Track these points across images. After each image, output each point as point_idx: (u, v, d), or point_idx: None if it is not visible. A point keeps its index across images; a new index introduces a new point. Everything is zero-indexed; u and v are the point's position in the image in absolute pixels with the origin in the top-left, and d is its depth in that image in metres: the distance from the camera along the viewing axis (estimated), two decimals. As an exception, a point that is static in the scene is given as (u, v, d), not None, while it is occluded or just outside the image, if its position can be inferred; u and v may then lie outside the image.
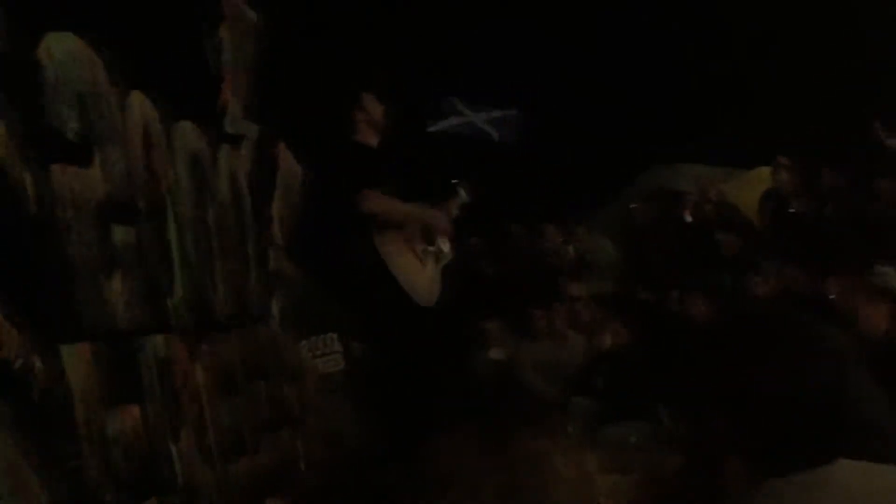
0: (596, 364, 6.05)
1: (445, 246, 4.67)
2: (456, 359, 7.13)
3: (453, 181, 4.94)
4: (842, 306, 4.92)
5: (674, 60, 9.65)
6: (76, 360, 2.95)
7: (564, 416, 5.60)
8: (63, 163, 3.08)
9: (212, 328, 4.18)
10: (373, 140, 4.60)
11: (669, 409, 4.92)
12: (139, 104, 3.85)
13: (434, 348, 4.97)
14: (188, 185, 4.22)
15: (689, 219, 7.95)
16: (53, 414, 2.76)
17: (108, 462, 2.98)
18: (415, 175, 4.93)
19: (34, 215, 2.89)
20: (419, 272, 4.41)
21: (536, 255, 8.41)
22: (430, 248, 4.57)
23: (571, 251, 8.32)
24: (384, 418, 4.21)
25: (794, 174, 7.59)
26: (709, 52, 9.61)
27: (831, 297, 5.24)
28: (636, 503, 4.32)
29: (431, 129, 9.82)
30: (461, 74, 9.87)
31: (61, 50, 3.18)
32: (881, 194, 6.92)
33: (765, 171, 8.30)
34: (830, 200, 7.26)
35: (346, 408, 5.28)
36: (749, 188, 8.47)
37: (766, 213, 7.68)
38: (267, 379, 4.84)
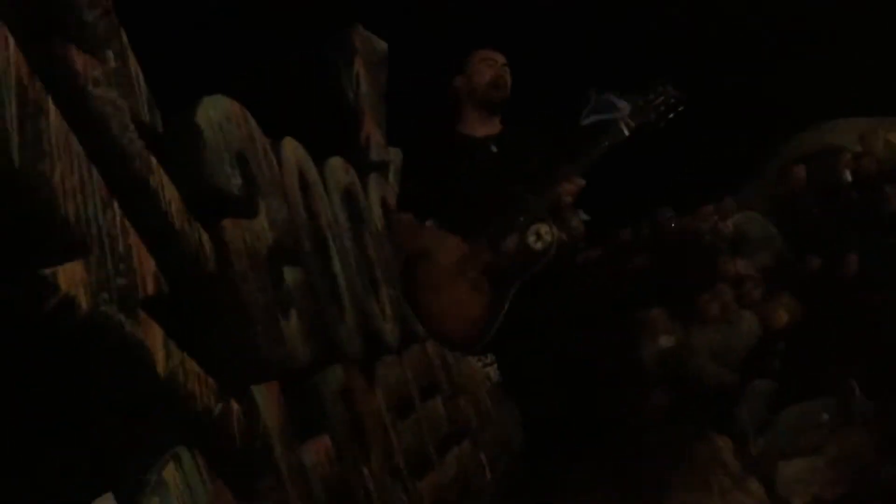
0: (770, 343, 5.85)
1: (542, 240, 3.22)
2: (621, 352, 7.06)
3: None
4: None
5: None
6: (267, 399, 3.15)
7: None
8: (233, 217, 3.29)
9: (384, 352, 4.35)
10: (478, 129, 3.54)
11: (860, 383, 4.70)
12: (292, 150, 4.06)
13: (595, 346, 4.85)
14: (345, 220, 4.42)
15: (849, 178, 7.52)
16: (255, 454, 2.95)
17: (310, 493, 3.16)
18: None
19: (213, 270, 3.10)
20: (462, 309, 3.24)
21: (692, 236, 8.18)
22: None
23: (729, 226, 8.06)
24: (543, 424, 3.66)
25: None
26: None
27: None
28: (830, 484, 4.16)
29: (585, 122, 9.71)
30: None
31: (217, 112, 3.40)
32: None
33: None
34: None
35: (515, 414, 5.33)
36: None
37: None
38: (442, 393, 4.98)
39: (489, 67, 3.46)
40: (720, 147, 9.08)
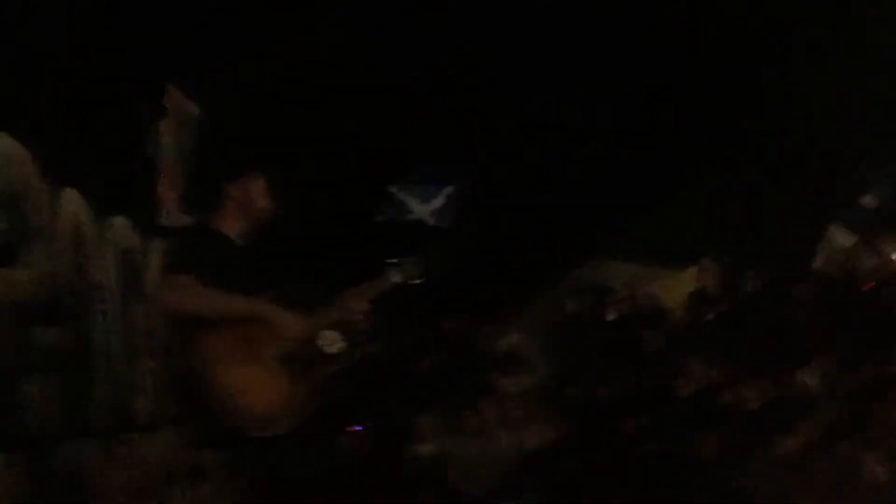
0: (525, 466, 6.05)
1: (333, 346, 3.39)
2: (385, 453, 7.09)
3: (389, 261, 4.19)
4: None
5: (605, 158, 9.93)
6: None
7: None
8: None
9: (134, 430, 4.10)
10: (235, 227, 3.47)
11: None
12: (71, 201, 3.84)
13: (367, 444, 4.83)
14: (116, 283, 4.20)
15: (612, 316, 8.13)
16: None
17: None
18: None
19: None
20: (261, 386, 3.15)
21: (469, 349, 8.46)
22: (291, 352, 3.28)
23: (504, 345, 8.39)
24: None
25: (718, 276, 7.84)
26: (641, 152, 9.96)
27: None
28: None
29: (380, 219, 9.97)
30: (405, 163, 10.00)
31: (-6, 149, 3.17)
32: (801, 298, 7.18)
33: (686, 274, 8.59)
34: (752, 304, 7.51)
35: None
36: (678, 288, 8.72)
37: (691, 313, 7.89)
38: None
39: None
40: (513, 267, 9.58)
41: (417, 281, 3.71)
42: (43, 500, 3.17)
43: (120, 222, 4.43)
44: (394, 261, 3.86)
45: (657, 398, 6.81)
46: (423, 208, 10.26)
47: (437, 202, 10.27)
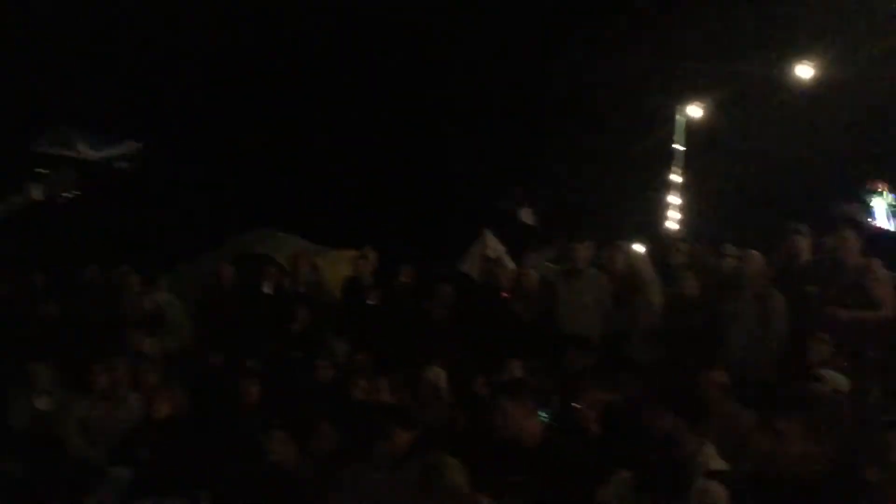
0: (145, 432, 5.77)
1: None
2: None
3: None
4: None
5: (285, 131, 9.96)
6: None
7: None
8: None
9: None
10: None
11: (207, 492, 4.86)
12: None
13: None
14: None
15: (268, 290, 8.09)
16: None
17: None
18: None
19: None
20: None
21: (110, 300, 7.94)
22: None
23: (148, 303, 7.97)
24: None
25: (375, 266, 8.11)
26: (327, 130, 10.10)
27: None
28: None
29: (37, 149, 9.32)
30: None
31: None
32: (442, 297, 7.65)
33: (345, 255, 8.80)
34: (404, 298, 7.86)
35: None
36: (337, 269, 8.85)
37: (345, 297, 8.09)
38: None
39: None
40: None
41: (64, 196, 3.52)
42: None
43: None
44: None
45: (297, 378, 6.89)
46: (93, 152, 9.72)
47: (112, 151, 9.92)
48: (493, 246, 9.73)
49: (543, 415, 4.75)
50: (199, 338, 7.93)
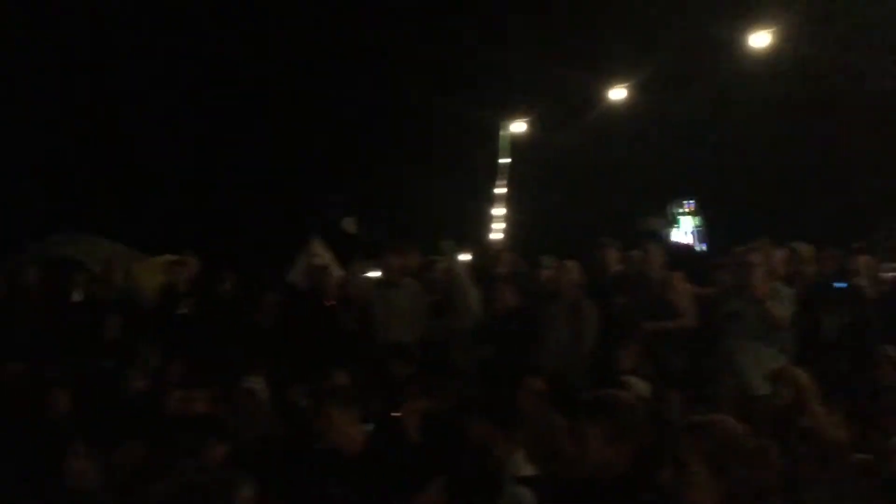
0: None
1: None
2: None
3: None
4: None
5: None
6: None
7: None
8: None
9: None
10: None
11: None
12: None
13: None
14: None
15: (77, 296, 7.65)
16: None
17: None
18: None
19: None
20: None
21: None
22: None
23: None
24: None
25: (192, 274, 7.85)
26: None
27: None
28: None
29: None
30: None
31: None
32: (266, 305, 7.51)
33: (160, 261, 8.48)
34: (221, 306, 7.64)
35: None
36: (154, 275, 8.49)
37: (162, 304, 7.77)
38: None
39: None
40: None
41: None
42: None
43: None
44: None
45: (107, 389, 6.54)
46: None
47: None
48: (320, 254, 9.66)
49: (367, 425, 4.77)
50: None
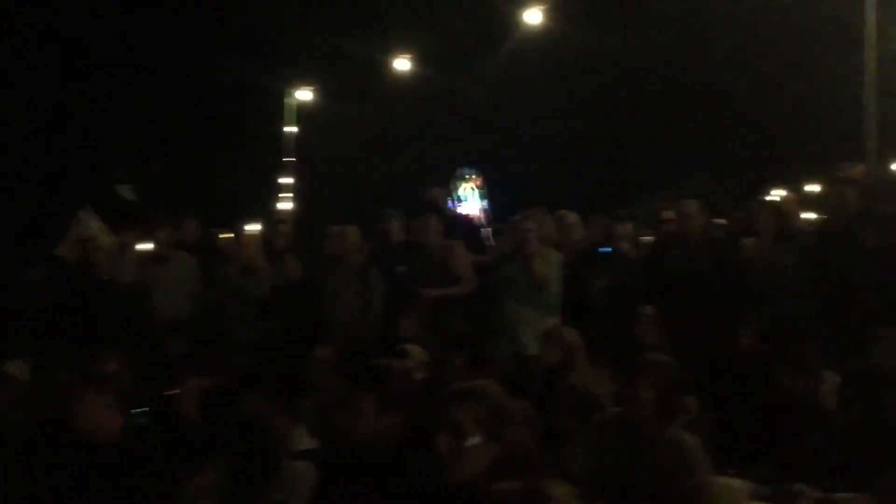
0: None
1: None
2: None
3: None
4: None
5: None
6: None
7: None
8: None
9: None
10: None
11: None
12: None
13: None
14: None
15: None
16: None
17: None
18: None
19: None
20: None
21: None
22: None
23: None
24: None
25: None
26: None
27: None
28: None
29: None
30: None
31: None
32: (31, 283, 6.99)
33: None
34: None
35: None
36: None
37: None
38: None
39: None
40: None
41: None
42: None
43: None
44: None
45: None
46: None
47: None
48: (89, 225, 9.06)
49: (140, 410, 4.57)
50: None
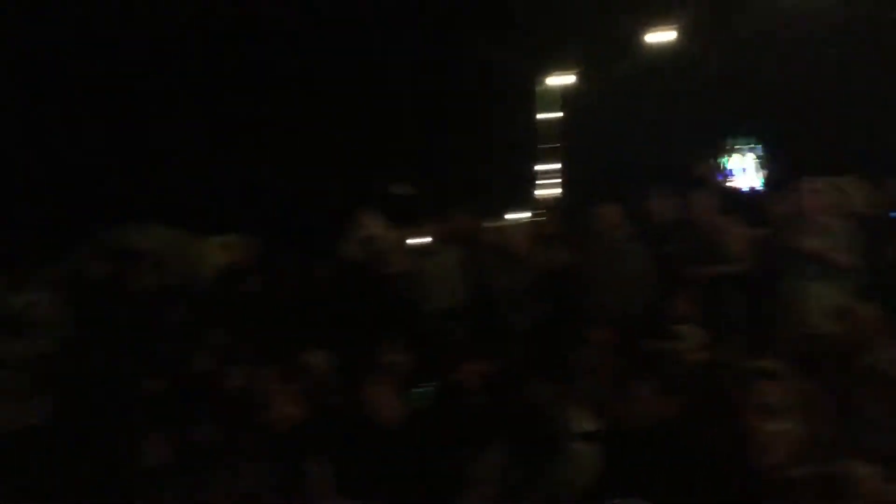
0: (15, 439, 5.55)
1: None
2: None
3: None
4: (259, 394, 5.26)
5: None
6: None
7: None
8: None
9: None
10: None
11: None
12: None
13: None
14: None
15: (139, 285, 7.84)
16: None
17: None
18: None
19: None
20: None
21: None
22: None
23: (14, 305, 7.58)
24: None
25: (252, 252, 7.98)
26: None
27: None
28: None
29: None
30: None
31: None
32: (320, 280, 7.62)
33: (220, 241, 8.64)
34: (281, 283, 7.77)
35: None
36: (209, 258, 8.67)
37: (221, 286, 7.93)
38: None
39: None
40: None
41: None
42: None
43: None
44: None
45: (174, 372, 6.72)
46: None
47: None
48: (372, 223, 9.71)
49: (422, 391, 4.83)
50: (72, 338, 7.60)
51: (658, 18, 11.51)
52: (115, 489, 4.54)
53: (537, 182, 13.05)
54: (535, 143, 12.89)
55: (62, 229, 9.02)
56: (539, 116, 12.85)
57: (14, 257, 8.32)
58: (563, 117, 13.15)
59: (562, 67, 12.71)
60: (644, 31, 11.67)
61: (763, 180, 16.15)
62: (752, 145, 16.61)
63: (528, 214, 8.64)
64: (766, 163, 16.63)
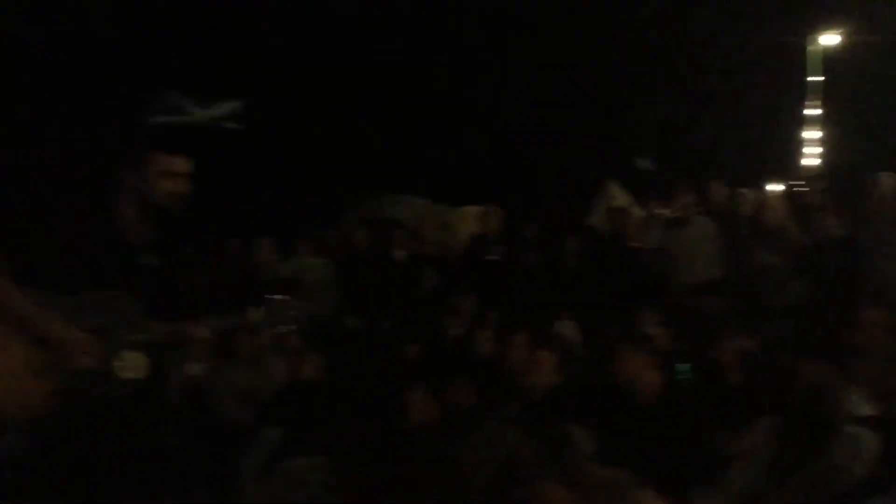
0: (289, 392, 6.02)
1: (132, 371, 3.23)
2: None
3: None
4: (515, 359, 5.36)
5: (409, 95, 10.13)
6: None
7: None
8: None
9: None
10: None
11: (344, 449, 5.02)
12: None
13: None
14: None
15: (397, 253, 8.24)
16: None
17: None
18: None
19: None
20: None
21: (250, 268, 8.27)
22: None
23: (287, 269, 8.27)
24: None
25: (500, 221, 8.13)
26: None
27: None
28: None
29: (153, 121, 9.59)
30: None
31: None
32: (569, 250, 7.62)
33: (472, 211, 8.86)
34: (528, 252, 7.86)
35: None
36: (461, 227, 8.96)
37: (471, 254, 8.16)
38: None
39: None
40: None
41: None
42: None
43: None
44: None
45: (429, 337, 7.02)
46: (202, 112, 10.00)
47: (219, 110, 10.14)
48: (618, 196, 9.58)
49: (683, 367, 4.70)
50: (337, 302, 8.16)
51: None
52: (383, 444, 4.81)
53: (802, 150, 12.18)
54: (801, 108, 12.01)
55: (330, 200, 9.68)
56: (809, 79, 11.94)
57: (287, 226, 9.09)
58: (824, 81, 12.13)
59: (830, 27, 11.70)
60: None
61: None
62: None
63: (787, 184, 8.07)
64: None
